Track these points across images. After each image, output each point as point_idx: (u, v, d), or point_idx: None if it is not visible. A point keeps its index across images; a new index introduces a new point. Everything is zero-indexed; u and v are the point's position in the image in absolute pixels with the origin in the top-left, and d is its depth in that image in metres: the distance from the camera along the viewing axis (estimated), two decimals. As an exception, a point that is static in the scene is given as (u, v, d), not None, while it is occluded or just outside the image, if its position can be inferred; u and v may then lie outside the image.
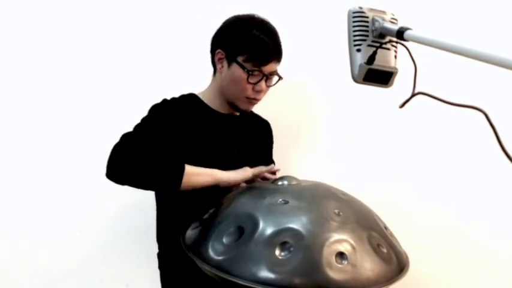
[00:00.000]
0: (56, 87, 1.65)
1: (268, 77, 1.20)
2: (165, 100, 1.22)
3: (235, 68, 1.18)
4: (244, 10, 1.25)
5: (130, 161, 0.97)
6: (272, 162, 1.42)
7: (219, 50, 1.21)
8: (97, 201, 1.70)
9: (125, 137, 1.05)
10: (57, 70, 1.65)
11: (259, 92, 1.20)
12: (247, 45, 1.16)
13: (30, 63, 1.64)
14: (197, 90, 1.31)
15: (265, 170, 1.24)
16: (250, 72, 1.16)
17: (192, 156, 1.14)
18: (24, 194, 1.68)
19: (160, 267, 1.28)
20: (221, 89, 1.24)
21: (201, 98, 1.27)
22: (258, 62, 1.16)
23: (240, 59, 1.17)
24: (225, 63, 1.20)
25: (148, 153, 1.00)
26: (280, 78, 1.23)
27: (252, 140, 1.34)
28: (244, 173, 1.17)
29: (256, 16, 1.22)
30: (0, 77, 1.65)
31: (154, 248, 1.30)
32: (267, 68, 1.18)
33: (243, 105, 1.24)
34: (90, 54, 1.65)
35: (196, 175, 1.07)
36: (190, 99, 1.26)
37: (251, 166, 1.22)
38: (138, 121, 1.14)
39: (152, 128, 1.10)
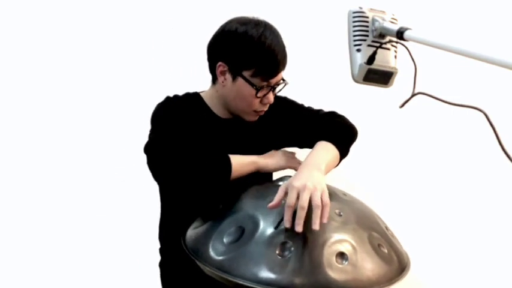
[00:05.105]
0: (60, 87, 1.66)
1: (275, 87, 1.13)
2: (168, 98, 1.16)
3: (241, 83, 1.08)
4: (244, 10, 1.24)
5: (179, 162, 1.03)
6: (312, 114, 1.25)
7: (220, 63, 1.09)
8: (97, 200, 1.70)
9: (158, 142, 1.07)
10: (59, 70, 1.65)
11: (267, 104, 1.14)
12: (254, 59, 1.06)
13: (31, 65, 1.65)
14: (202, 88, 1.23)
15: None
16: (259, 88, 1.08)
17: None
18: (24, 194, 1.68)
19: (161, 265, 1.28)
20: (225, 100, 1.15)
21: (205, 100, 1.19)
22: (267, 76, 1.08)
23: (246, 73, 1.07)
24: (229, 77, 1.10)
25: (191, 151, 1.04)
26: (286, 83, 1.15)
27: (261, 139, 1.24)
28: (278, 159, 1.18)
29: (258, 22, 1.08)
30: (1, 79, 1.65)
31: (155, 246, 1.30)
32: (275, 79, 1.11)
33: (249, 118, 1.17)
34: (91, 55, 1.65)
35: (241, 165, 1.10)
36: (194, 99, 1.19)
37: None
38: (142, 122, 1.14)
39: (173, 127, 1.09)
